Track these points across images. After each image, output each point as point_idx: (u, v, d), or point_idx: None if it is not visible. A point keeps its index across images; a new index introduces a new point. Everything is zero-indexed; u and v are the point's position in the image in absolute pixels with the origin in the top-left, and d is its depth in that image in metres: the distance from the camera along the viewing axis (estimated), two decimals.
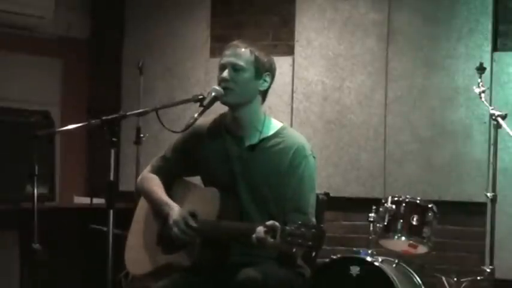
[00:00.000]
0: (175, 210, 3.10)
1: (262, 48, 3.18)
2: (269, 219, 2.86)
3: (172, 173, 3.28)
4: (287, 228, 2.74)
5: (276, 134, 3.16)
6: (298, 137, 3.19)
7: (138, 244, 3.26)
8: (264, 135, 3.15)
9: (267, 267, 3.02)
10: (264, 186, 3.10)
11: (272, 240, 2.78)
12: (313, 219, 3.07)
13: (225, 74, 3.09)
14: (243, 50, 3.13)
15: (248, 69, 3.10)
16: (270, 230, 2.79)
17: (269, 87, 3.18)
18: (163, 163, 3.30)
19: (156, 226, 3.22)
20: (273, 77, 3.18)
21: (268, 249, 2.86)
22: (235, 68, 3.10)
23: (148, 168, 3.34)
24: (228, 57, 3.12)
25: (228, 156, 3.16)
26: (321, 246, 2.74)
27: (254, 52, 3.13)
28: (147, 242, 3.22)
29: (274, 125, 3.19)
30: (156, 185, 3.24)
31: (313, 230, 2.71)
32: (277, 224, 2.79)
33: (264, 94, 3.19)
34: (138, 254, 3.23)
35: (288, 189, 3.08)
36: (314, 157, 3.16)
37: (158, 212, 3.19)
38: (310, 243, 2.71)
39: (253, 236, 2.84)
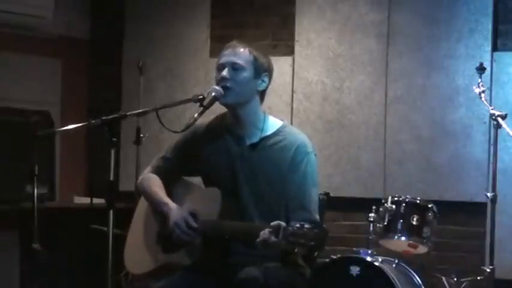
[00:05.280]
0: (175, 211, 3.10)
1: (260, 49, 3.19)
2: (270, 218, 2.86)
3: (173, 173, 3.28)
4: (289, 227, 2.73)
5: (277, 132, 3.16)
6: (299, 134, 3.19)
7: (138, 244, 3.25)
8: (265, 133, 3.15)
9: (267, 266, 3.02)
10: (265, 185, 3.10)
11: (275, 239, 2.77)
12: (317, 216, 3.08)
13: (225, 72, 3.09)
14: (241, 49, 3.13)
15: (247, 69, 3.10)
16: (275, 230, 2.78)
17: (267, 87, 3.18)
18: (164, 163, 3.29)
19: (155, 225, 3.22)
20: (270, 77, 3.18)
21: (271, 248, 2.83)
22: (234, 67, 3.10)
23: (149, 168, 3.34)
24: (227, 57, 3.12)
25: (229, 155, 3.15)
26: (324, 246, 2.74)
27: (253, 52, 3.13)
28: (147, 242, 3.22)
29: (275, 124, 3.19)
30: (156, 186, 3.24)
31: (316, 230, 2.70)
32: (281, 223, 2.78)
33: (262, 94, 3.19)
34: (138, 254, 3.23)
35: (291, 186, 3.08)
36: (315, 154, 3.16)
37: (158, 212, 3.19)
38: (312, 243, 2.69)
39: (258, 240, 2.82)
